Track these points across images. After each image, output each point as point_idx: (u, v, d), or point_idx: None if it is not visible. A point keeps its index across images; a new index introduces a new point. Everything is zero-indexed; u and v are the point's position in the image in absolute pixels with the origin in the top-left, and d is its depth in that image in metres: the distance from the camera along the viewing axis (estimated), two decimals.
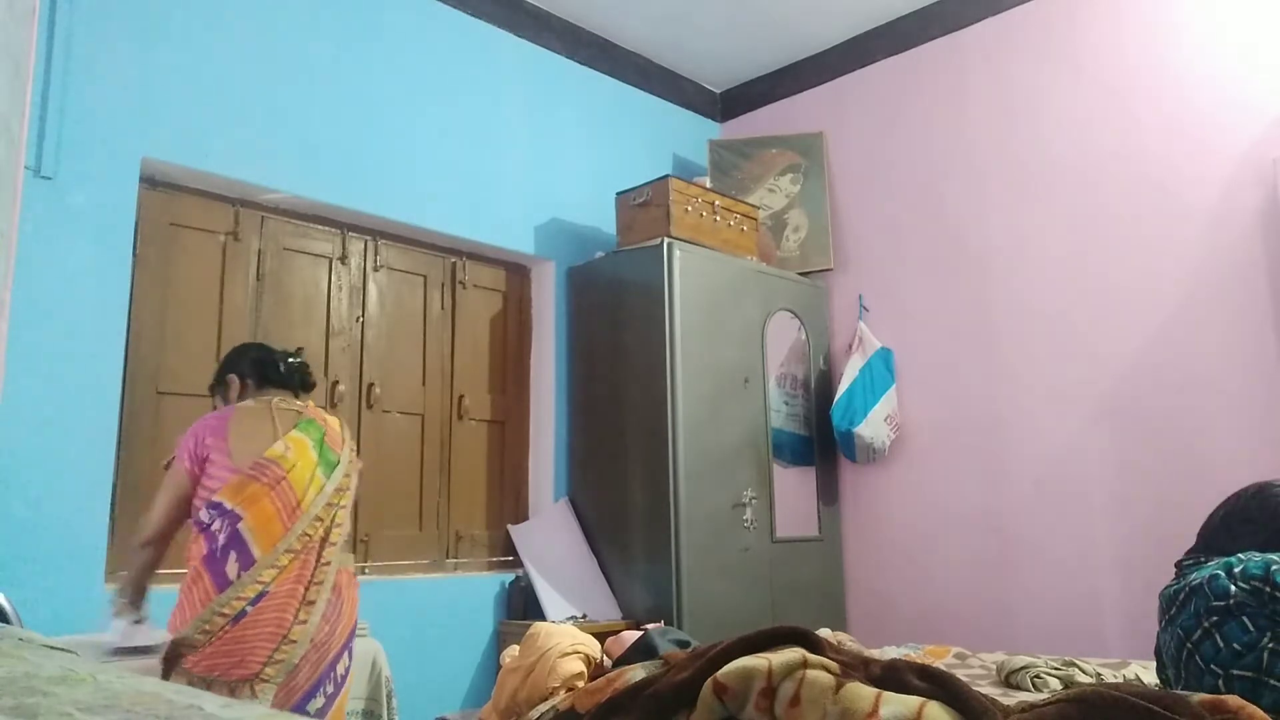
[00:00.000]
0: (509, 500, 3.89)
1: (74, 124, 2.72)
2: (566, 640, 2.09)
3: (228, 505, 2.03)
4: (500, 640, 3.47)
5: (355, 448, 2.33)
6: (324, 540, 2.10)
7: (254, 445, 2.11)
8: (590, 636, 2.18)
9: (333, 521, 2.13)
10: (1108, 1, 3.69)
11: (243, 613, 1.94)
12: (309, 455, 2.14)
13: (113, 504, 2.71)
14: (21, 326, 2.48)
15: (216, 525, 2.02)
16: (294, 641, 1.97)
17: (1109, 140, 3.62)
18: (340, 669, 2.12)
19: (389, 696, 2.70)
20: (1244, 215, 3.29)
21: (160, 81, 2.93)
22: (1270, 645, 1.50)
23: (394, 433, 3.54)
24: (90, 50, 2.78)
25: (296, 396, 2.32)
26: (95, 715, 0.61)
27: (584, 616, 3.47)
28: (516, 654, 2.19)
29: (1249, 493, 1.84)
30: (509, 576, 3.63)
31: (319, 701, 2.03)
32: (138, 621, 2.07)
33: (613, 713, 1.66)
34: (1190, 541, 1.94)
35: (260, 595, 1.96)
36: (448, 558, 3.63)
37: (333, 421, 2.29)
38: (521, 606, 3.55)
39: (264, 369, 2.30)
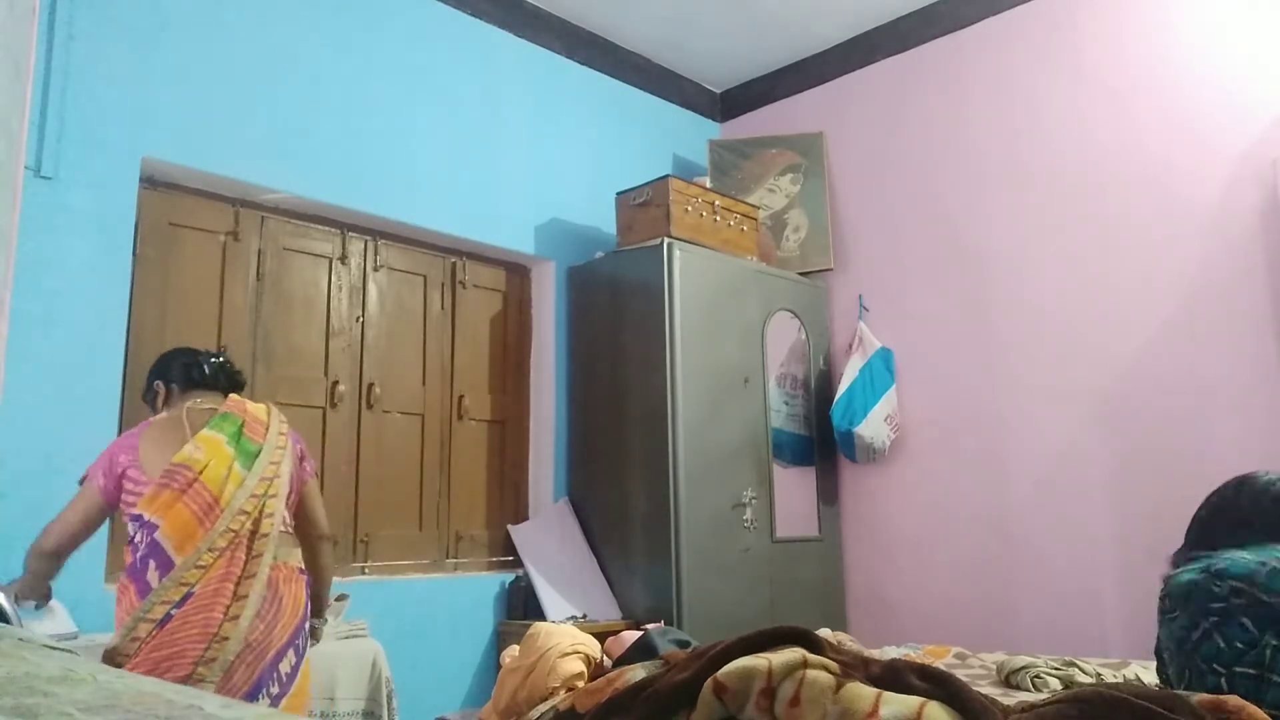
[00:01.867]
0: (509, 500, 3.88)
1: (74, 124, 2.72)
2: (566, 640, 2.09)
3: (146, 516, 2.01)
4: (500, 640, 3.47)
5: (285, 429, 2.24)
6: (253, 533, 2.04)
7: (164, 453, 2.08)
8: (590, 636, 2.18)
9: (261, 513, 2.06)
10: (1108, 1, 3.69)
11: (168, 616, 1.91)
12: (223, 450, 2.09)
13: None
14: (21, 326, 2.48)
15: (138, 537, 2.00)
16: (225, 639, 1.92)
17: (1109, 140, 3.62)
18: (285, 667, 2.04)
19: (389, 697, 2.69)
20: (1244, 215, 3.29)
21: (160, 81, 2.93)
22: (1273, 643, 1.50)
23: (394, 433, 3.54)
24: (90, 50, 2.78)
25: (225, 397, 2.28)
26: (95, 715, 0.61)
27: (584, 616, 3.47)
28: (516, 654, 2.18)
29: (1230, 487, 1.79)
30: (509, 576, 3.63)
31: (263, 703, 1.97)
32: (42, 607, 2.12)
33: (613, 713, 1.66)
34: None
35: (186, 597, 1.92)
36: (448, 558, 3.63)
37: (254, 409, 2.22)
38: (521, 606, 3.55)
39: (189, 371, 2.28)
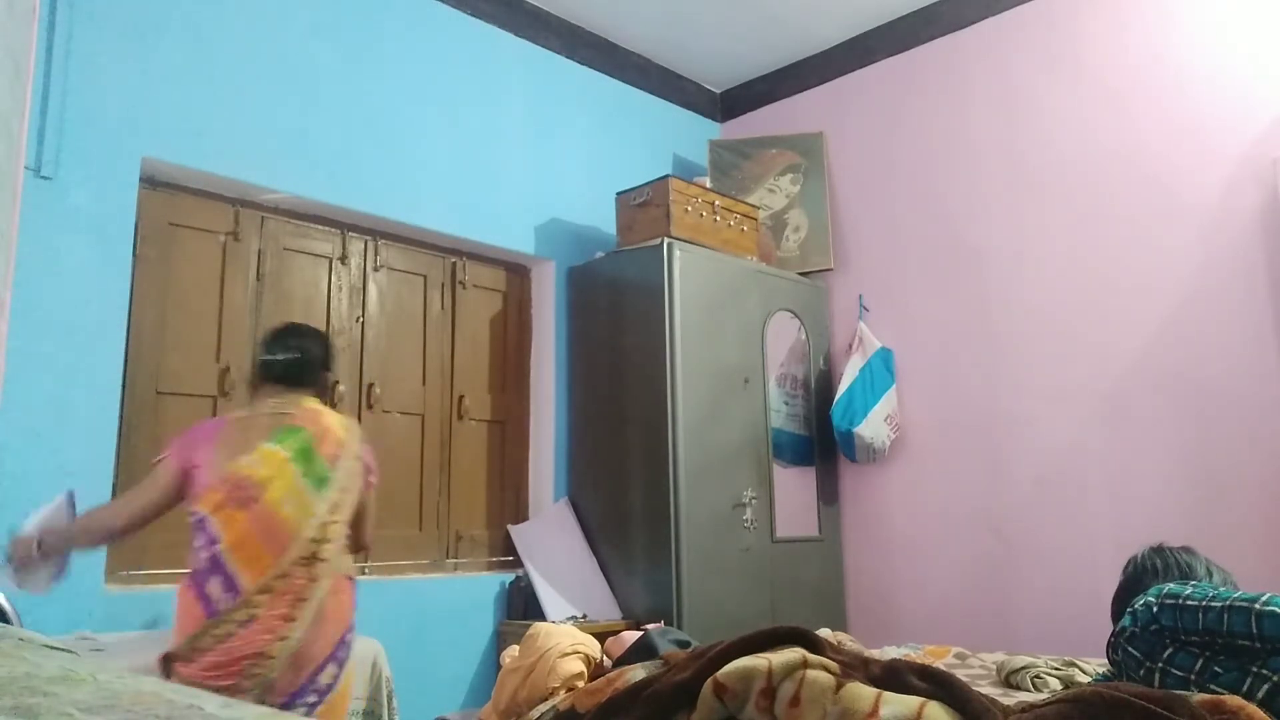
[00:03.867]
0: (509, 500, 3.88)
1: (74, 124, 2.72)
2: (566, 640, 2.09)
3: (207, 523, 2.02)
4: (500, 640, 3.47)
5: (358, 450, 2.22)
6: (314, 555, 2.05)
7: (228, 457, 2.08)
8: (590, 636, 2.18)
9: (324, 538, 2.08)
10: (1108, 1, 3.69)
11: (231, 634, 1.96)
12: (286, 470, 2.07)
13: None
14: (21, 326, 2.47)
15: (199, 541, 2.02)
16: (272, 658, 1.97)
17: (1109, 140, 3.61)
18: (324, 679, 2.07)
19: (389, 697, 2.69)
20: (1244, 215, 3.29)
21: (160, 81, 2.93)
22: (1207, 654, 1.56)
23: (394, 433, 3.53)
24: (90, 50, 2.78)
25: (299, 391, 2.23)
26: (95, 715, 0.61)
27: (584, 616, 3.47)
28: (516, 654, 2.18)
29: (1145, 554, 2.00)
30: (509, 576, 3.63)
31: (299, 710, 2.02)
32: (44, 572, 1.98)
33: (613, 713, 1.66)
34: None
35: (250, 619, 1.97)
36: (448, 558, 3.63)
37: (332, 424, 2.17)
38: (521, 606, 3.55)
39: (259, 365, 2.27)
